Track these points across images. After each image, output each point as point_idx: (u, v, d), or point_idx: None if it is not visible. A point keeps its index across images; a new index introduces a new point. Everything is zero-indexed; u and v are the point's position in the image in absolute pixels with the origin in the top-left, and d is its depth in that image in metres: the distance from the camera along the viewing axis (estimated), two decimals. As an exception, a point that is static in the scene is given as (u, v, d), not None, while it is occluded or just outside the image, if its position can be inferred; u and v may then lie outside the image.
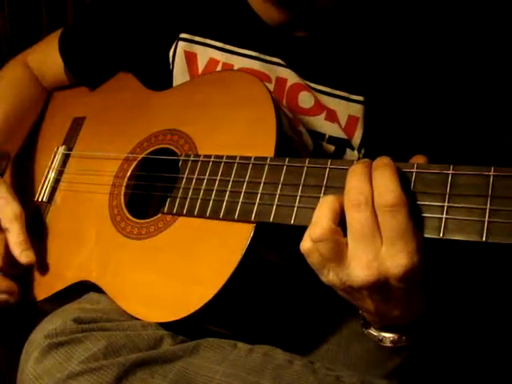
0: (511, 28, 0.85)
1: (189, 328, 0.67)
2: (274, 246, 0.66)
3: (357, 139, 0.76)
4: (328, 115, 0.77)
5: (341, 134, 0.77)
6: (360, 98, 0.75)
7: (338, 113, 0.76)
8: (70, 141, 0.87)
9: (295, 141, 0.72)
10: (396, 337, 0.59)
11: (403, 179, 0.53)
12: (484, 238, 0.49)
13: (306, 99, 0.78)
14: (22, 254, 0.74)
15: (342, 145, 0.77)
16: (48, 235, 0.80)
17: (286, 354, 0.67)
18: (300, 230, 0.64)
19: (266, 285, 0.69)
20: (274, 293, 0.72)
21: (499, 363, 0.98)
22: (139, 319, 0.66)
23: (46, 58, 0.94)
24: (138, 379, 0.61)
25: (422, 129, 0.75)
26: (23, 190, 0.87)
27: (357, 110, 0.76)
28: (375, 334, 0.60)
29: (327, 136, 0.78)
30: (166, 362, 0.63)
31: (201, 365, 0.63)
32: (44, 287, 0.78)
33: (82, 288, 0.76)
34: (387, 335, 0.59)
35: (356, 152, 0.77)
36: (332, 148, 0.78)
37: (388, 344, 0.59)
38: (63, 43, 0.91)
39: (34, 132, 0.91)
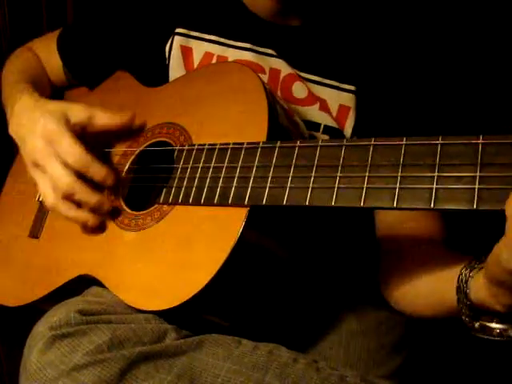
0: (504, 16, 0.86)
1: (190, 320, 0.67)
2: (269, 230, 0.66)
3: (348, 128, 0.77)
4: (321, 105, 0.77)
5: (334, 124, 0.77)
6: (351, 88, 0.76)
7: (328, 102, 0.76)
8: (70, 140, 0.88)
9: (291, 131, 0.73)
10: None
11: (393, 152, 0.53)
12: (475, 206, 0.48)
13: (299, 90, 0.78)
14: (123, 115, 0.71)
15: (336, 135, 0.78)
16: (49, 232, 0.81)
17: (290, 352, 0.66)
18: (294, 215, 0.64)
19: (263, 272, 0.68)
20: (272, 282, 0.71)
21: (499, 363, 0.95)
22: (142, 312, 0.66)
23: (48, 58, 0.95)
24: (142, 372, 0.61)
25: (415, 118, 0.75)
26: (25, 189, 0.88)
27: (348, 99, 0.76)
28: (499, 326, 0.53)
29: (322, 126, 0.78)
30: (170, 356, 0.62)
31: (206, 360, 0.63)
32: (44, 283, 0.78)
33: (82, 284, 0.76)
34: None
35: None
36: (326, 138, 0.78)
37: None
38: (62, 43, 0.93)
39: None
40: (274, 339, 0.68)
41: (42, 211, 0.85)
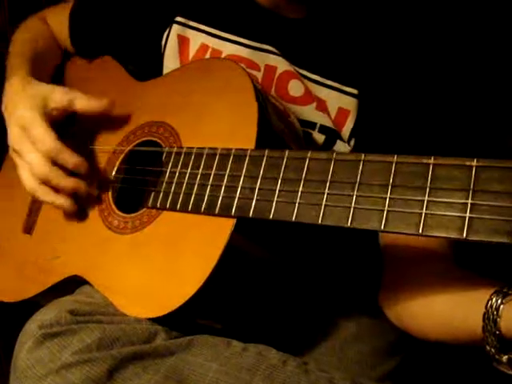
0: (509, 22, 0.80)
1: (182, 323, 0.67)
2: (257, 240, 0.64)
3: (346, 132, 0.73)
4: (318, 105, 0.74)
5: (330, 125, 0.74)
6: (353, 91, 0.71)
7: (327, 103, 0.73)
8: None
9: (284, 132, 0.70)
10: None
11: (383, 171, 0.51)
12: (465, 235, 0.46)
13: (295, 87, 0.75)
14: (103, 101, 0.74)
15: (333, 135, 0.74)
16: (41, 232, 0.81)
17: (280, 354, 0.66)
18: (283, 224, 0.62)
19: (253, 278, 0.67)
20: (263, 287, 0.70)
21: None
22: None
23: (60, 29, 0.94)
24: (130, 372, 0.61)
25: (417, 124, 0.70)
26: (19, 188, 0.87)
27: (349, 102, 0.72)
28: None
29: (318, 125, 0.75)
30: (158, 356, 0.62)
31: (194, 361, 0.63)
32: (37, 281, 0.77)
33: (75, 283, 0.76)
34: None
35: (346, 144, 0.74)
36: (322, 138, 0.75)
37: None
38: (71, 21, 0.92)
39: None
40: (266, 341, 0.68)
41: (35, 205, 0.84)
